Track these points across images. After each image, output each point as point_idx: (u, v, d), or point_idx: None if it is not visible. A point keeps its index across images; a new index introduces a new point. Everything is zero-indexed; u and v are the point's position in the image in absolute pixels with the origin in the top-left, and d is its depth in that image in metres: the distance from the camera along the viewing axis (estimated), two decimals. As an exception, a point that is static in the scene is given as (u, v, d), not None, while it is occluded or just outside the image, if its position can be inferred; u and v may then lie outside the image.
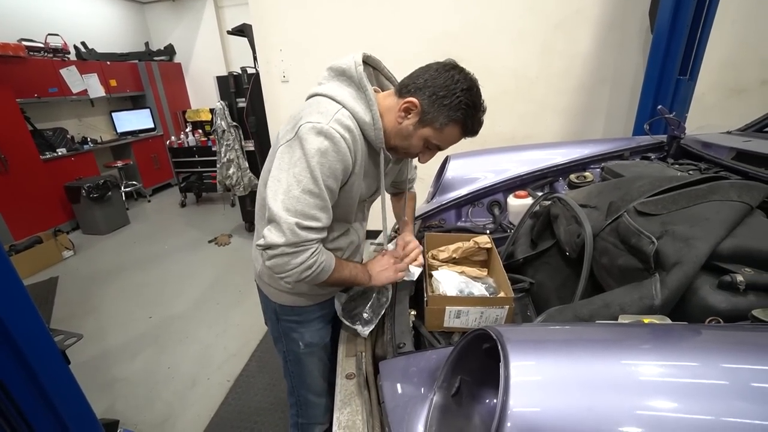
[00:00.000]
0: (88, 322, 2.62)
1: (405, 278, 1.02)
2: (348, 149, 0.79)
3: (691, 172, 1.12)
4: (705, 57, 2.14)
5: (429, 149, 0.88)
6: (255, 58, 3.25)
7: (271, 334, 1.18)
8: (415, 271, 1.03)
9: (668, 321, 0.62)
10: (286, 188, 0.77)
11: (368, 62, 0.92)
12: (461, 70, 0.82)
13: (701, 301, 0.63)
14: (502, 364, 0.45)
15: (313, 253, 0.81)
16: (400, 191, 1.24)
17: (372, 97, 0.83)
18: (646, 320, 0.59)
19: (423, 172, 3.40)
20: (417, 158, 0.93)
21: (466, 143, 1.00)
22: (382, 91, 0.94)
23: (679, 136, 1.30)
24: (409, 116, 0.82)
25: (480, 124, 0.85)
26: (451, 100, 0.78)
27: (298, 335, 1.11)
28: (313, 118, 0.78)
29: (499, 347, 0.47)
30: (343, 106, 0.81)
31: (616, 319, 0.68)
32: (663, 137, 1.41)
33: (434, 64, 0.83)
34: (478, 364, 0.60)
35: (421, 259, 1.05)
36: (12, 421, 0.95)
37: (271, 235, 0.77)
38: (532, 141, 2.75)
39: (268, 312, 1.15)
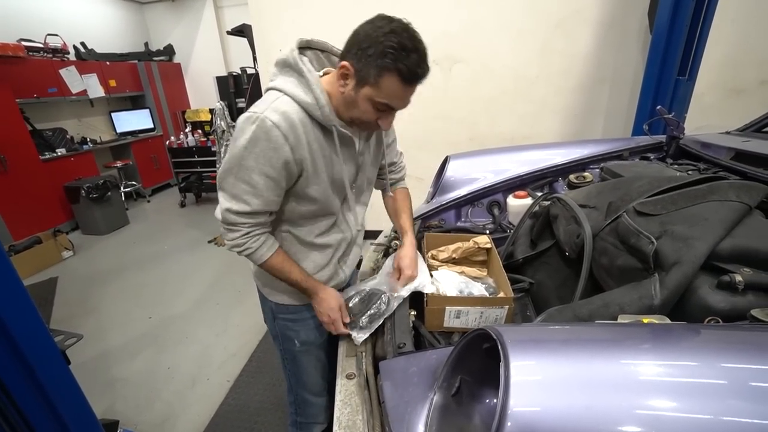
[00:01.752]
0: (88, 323, 2.62)
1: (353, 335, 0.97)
2: (282, 136, 0.79)
3: (690, 172, 1.13)
4: (704, 57, 2.14)
5: (381, 111, 0.82)
6: (254, 58, 3.25)
7: (270, 332, 1.20)
8: (407, 290, 0.99)
9: (667, 321, 0.62)
10: (224, 173, 0.84)
11: (314, 46, 0.92)
12: (387, 17, 0.78)
13: (700, 301, 0.64)
14: (502, 364, 0.45)
15: (242, 235, 0.88)
16: (391, 181, 1.19)
17: (310, 78, 0.82)
18: (646, 320, 0.59)
19: (423, 172, 3.40)
20: (381, 126, 0.87)
21: (466, 144, 1.00)
22: None
23: (678, 137, 1.30)
24: (347, 81, 0.80)
25: (419, 65, 0.76)
26: (375, 49, 0.73)
27: (294, 333, 1.12)
28: (251, 108, 0.82)
29: (499, 347, 0.47)
30: (284, 94, 0.82)
31: (616, 319, 0.68)
32: (662, 137, 1.41)
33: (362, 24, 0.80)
34: (478, 364, 0.60)
35: (414, 278, 1.00)
36: (12, 421, 0.95)
37: (216, 210, 0.89)
38: (531, 141, 2.75)
39: (265, 310, 1.16)
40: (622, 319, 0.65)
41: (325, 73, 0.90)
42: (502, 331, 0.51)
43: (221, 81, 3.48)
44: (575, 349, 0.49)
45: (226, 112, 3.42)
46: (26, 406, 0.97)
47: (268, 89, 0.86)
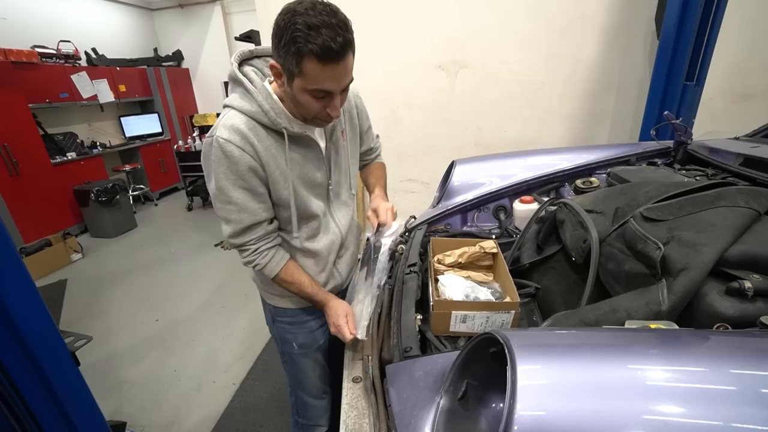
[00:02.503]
0: (96, 325, 2.65)
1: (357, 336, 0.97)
2: (237, 148, 0.82)
3: (698, 177, 1.12)
4: (712, 62, 2.14)
5: (319, 99, 0.79)
6: (262, 64, 3.28)
7: (270, 334, 1.23)
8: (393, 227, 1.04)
9: (675, 327, 0.62)
10: (213, 202, 0.91)
11: (259, 54, 0.93)
12: (298, 2, 0.72)
13: (709, 308, 0.63)
14: (509, 368, 0.45)
15: (252, 252, 0.93)
16: (366, 162, 1.23)
17: (251, 87, 0.84)
18: (653, 326, 0.59)
19: (429, 177, 3.40)
20: (330, 113, 0.83)
21: (471, 149, 1.01)
22: None
23: (686, 142, 1.30)
24: (281, 80, 0.80)
25: (333, 40, 0.69)
26: (286, 38, 0.71)
27: (292, 336, 1.14)
28: (209, 132, 0.86)
29: (506, 351, 0.48)
30: (232, 108, 0.86)
31: (623, 325, 0.68)
32: (670, 143, 1.41)
33: None
34: (484, 368, 0.60)
35: (391, 222, 1.05)
36: (23, 422, 0.97)
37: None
38: (537, 146, 2.76)
39: (266, 313, 1.19)
40: (630, 324, 0.65)
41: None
42: (509, 335, 0.51)
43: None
44: (582, 354, 0.49)
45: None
46: (36, 406, 0.98)
47: (223, 107, 0.90)
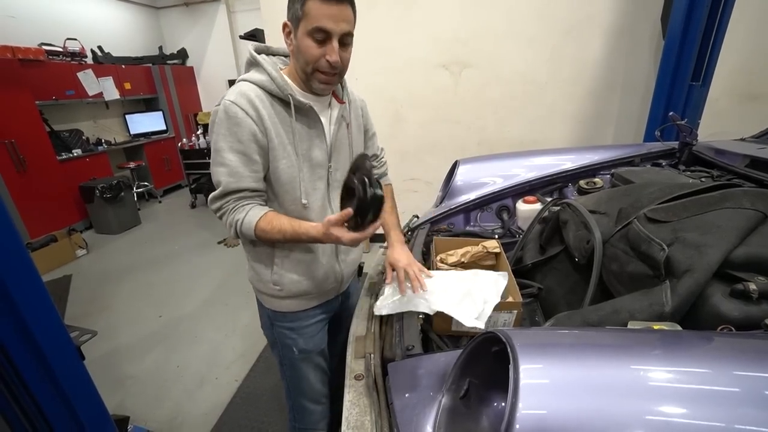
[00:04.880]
0: (100, 320, 2.67)
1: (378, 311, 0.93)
2: (241, 110, 0.85)
3: (703, 179, 1.11)
4: (718, 63, 2.12)
5: (320, 42, 0.82)
6: (266, 63, 3.29)
7: (267, 339, 1.19)
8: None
9: (679, 328, 0.62)
10: (211, 165, 0.91)
11: (273, 52, 1.01)
12: None
13: (713, 309, 0.63)
14: (511, 367, 0.46)
15: (230, 211, 0.91)
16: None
17: (262, 61, 0.91)
18: (656, 327, 0.59)
19: (432, 176, 3.39)
20: (329, 59, 0.84)
21: (474, 148, 1.00)
22: None
23: (691, 143, 1.29)
24: (290, 35, 0.87)
25: None
26: None
27: (292, 341, 1.11)
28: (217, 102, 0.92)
29: (509, 350, 0.48)
30: (244, 80, 0.91)
31: (626, 326, 0.68)
32: (674, 144, 1.40)
33: None
34: (486, 367, 0.60)
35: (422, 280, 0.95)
36: (30, 414, 0.98)
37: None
38: (540, 146, 2.74)
39: (262, 317, 1.16)
40: (633, 325, 0.65)
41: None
42: (512, 334, 0.51)
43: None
44: (585, 354, 0.49)
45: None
46: (43, 399, 0.99)
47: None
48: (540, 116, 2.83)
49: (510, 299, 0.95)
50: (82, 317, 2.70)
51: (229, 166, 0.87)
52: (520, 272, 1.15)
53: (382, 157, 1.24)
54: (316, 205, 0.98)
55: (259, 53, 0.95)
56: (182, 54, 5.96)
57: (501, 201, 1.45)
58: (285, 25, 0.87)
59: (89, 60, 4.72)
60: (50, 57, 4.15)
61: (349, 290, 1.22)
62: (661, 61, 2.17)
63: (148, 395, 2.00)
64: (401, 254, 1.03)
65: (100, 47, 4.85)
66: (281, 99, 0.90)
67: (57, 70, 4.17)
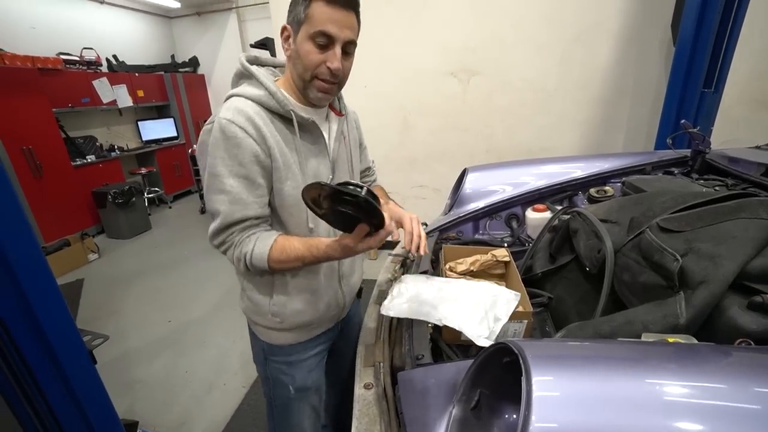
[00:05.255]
0: (111, 324, 2.71)
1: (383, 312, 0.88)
2: (240, 129, 0.77)
3: (717, 188, 1.10)
4: (731, 69, 2.10)
5: (322, 47, 0.77)
6: (276, 71, 3.34)
7: (259, 375, 1.09)
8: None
9: (694, 341, 0.61)
10: (205, 194, 0.84)
11: (262, 63, 0.93)
12: None
13: (730, 322, 0.62)
14: (524, 379, 0.45)
15: (236, 246, 0.83)
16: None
17: (259, 74, 0.83)
18: (671, 339, 0.58)
19: (440, 183, 3.39)
20: (330, 66, 0.79)
21: (483, 156, 1.00)
22: None
23: (704, 151, 1.27)
24: (288, 39, 0.81)
25: None
26: None
27: (289, 378, 1.02)
28: (207, 121, 0.86)
29: (521, 361, 0.47)
30: (236, 96, 0.82)
31: (639, 337, 0.67)
32: (687, 152, 1.39)
33: None
34: (497, 378, 0.60)
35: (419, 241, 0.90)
36: (42, 416, 1.00)
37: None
38: (549, 154, 2.74)
39: (255, 349, 1.07)
40: (646, 337, 0.64)
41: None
42: (524, 345, 0.51)
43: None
44: (598, 366, 0.49)
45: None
46: (55, 401, 1.01)
47: (225, 99, 0.85)
48: (549, 123, 2.83)
49: (520, 309, 0.94)
50: (93, 321, 2.74)
51: (230, 193, 0.79)
52: (530, 281, 1.14)
53: (373, 168, 1.21)
54: (322, 227, 0.91)
55: (250, 64, 0.87)
56: (193, 62, 6.08)
57: (510, 209, 1.45)
58: (284, 29, 0.81)
59: (104, 68, 4.84)
60: (67, 66, 4.26)
61: (350, 314, 1.16)
62: (672, 67, 2.15)
63: (157, 400, 2.02)
64: (399, 210, 0.98)
65: (114, 56, 4.97)
66: (281, 115, 0.83)
67: (73, 78, 4.28)
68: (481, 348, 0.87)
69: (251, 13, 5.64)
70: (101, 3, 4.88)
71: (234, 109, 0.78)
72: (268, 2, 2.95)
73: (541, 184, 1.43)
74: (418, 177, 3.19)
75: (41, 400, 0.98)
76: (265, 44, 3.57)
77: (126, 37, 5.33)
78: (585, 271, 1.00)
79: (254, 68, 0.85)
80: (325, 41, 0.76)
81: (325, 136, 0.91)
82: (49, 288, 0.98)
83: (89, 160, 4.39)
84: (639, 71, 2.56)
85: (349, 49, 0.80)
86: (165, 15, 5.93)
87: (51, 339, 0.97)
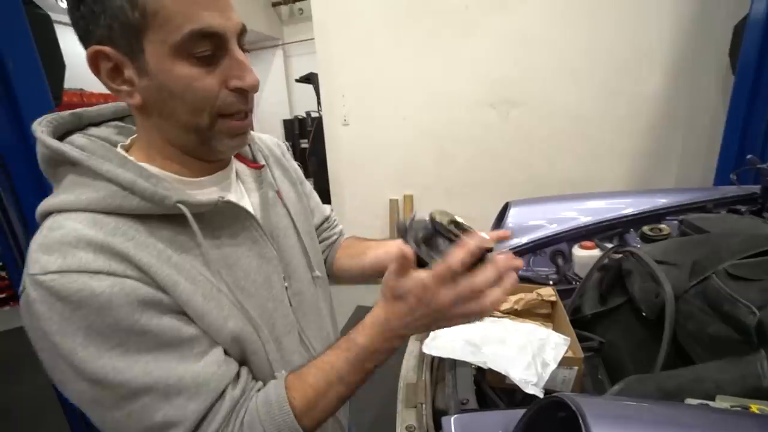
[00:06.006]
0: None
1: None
2: (90, 275, 0.38)
3: (793, 230, 1.00)
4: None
5: (206, 62, 0.43)
6: (319, 103, 3.54)
7: None
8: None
9: (782, 409, 0.54)
10: (99, 419, 0.43)
11: (95, 121, 0.52)
12: None
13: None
14: (586, 443, 0.42)
15: None
16: (332, 238, 0.81)
17: (90, 151, 0.44)
18: (755, 407, 0.52)
19: (478, 213, 3.39)
20: (242, 85, 0.46)
21: (522, 187, 0.95)
22: None
23: (776, 189, 1.18)
24: (123, 75, 0.43)
25: None
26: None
27: None
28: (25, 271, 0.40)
29: (581, 422, 0.45)
30: (54, 213, 0.43)
31: (712, 399, 0.61)
32: (755, 188, 1.28)
33: None
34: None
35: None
36: None
37: None
38: (592, 185, 2.64)
39: None
40: (721, 401, 0.58)
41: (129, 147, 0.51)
42: (582, 402, 0.48)
43: (287, 123, 3.85)
44: (670, 434, 0.45)
45: (290, 152, 3.73)
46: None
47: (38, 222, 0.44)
48: (592, 154, 2.74)
49: (570, 354, 0.89)
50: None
51: (158, 385, 0.41)
52: (579, 323, 1.08)
53: (333, 216, 0.84)
54: (294, 358, 0.57)
55: (63, 136, 0.47)
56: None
57: (555, 245, 1.39)
58: (97, 55, 0.42)
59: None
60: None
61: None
62: (732, 96, 2.03)
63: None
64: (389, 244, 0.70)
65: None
66: (157, 215, 0.44)
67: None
68: (528, 395, 0.82)
69: (296, 49, 6.05)
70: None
71: (61, 246, 0.39)
72: (313, 39, 3.17)
73: (589, 220, 1.38)
74: (455, 208, 3.15)
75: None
76: (309, 79, 3.80)
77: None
78: (640, 316, 0.93)
79: (81, 140, 0.46)
80: (210, 48, 0.43)
81: (250, 210, 0.54)
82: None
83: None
84: (693, 101, 2.44)
85: (243, 40, 0.47)
86: (220, 54, 6.52)
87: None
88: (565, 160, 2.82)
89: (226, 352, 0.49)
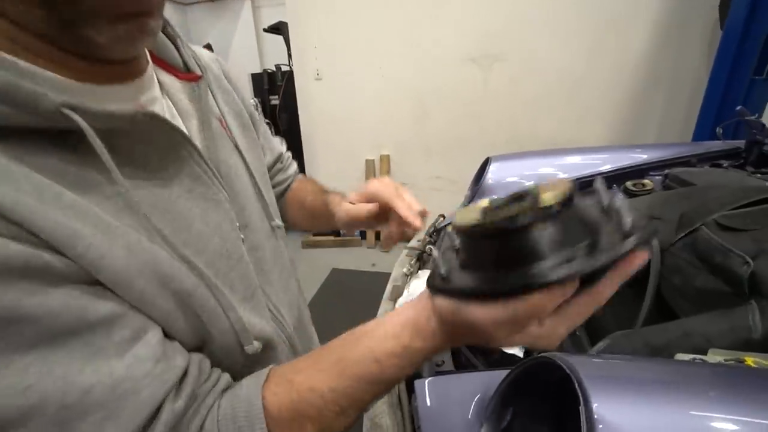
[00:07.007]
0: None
1: None
2: None
3: (779, 182, 0.97)
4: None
5: None
6: (290, 56, 3.27)
7: None
8: None
9: (777, 362, 0.50)
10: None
11: None
12: None
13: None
14: (582, 408, 0.36)
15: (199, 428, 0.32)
16: (286, 181, 0.69)
17: None
18: (750, 361, 0.48)
19: (457, 174, 3.28)
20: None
21: (503, 146, 0.88)
22: None
23: (763, 141, 1.14)
24: None
25: None
26: None
27: None
28: None
29: (576, 385, 0.39)
30: None
31: (701, 353, 0.57)
32: (739, 143, 1.25)
33: None
34: (535, 396, 0.51)
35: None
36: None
37: None
38: (575, 144, 2.59)
39: None
40: (714, 354, 0.54)
41: None
42: (575, 362, 0.42)
43: (256, 78, 3.55)
44: (671, 394, 0.39)
45: (260, 109, 3.47)
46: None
47: None
48: (575, 113, 2.68)
49: (551, 311, 0.85)
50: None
51: (43, 409, 0.24)
52: (559, 280, 1.04)
53: (287, 154, 0.72)
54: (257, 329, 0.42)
55: None
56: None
57: (537, 201, 1.34)
58: None
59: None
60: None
61: None
62: (718, 52, 1.98)
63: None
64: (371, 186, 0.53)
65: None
66: (35, 135, 0.27)
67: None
68: (507, 354, 0.78)
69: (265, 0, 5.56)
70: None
71: None
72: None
73: (571, 176, 1.32)
74: (434, 167, 3.08)
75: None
76: (279, 28, 3.48)
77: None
78: (624, 272, 0.90)
79: None
80: None
81: (183, 130, 0.37)
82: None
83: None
84: (678, 58, 2.38)
85: None
86: (180, 2, 5.90)
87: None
88: (548, 120, 2.74)
89: (166, 336, 0.32)
